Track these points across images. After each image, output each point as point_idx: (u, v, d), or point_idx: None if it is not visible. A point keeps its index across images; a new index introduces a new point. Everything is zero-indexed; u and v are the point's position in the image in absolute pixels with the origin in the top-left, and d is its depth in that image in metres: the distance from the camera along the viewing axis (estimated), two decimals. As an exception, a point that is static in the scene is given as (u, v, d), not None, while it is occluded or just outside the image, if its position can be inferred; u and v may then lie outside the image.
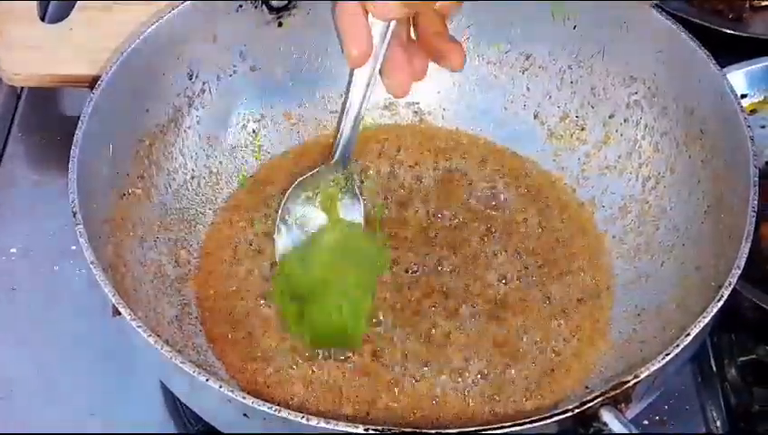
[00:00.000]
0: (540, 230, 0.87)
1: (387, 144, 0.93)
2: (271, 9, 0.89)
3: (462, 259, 0.84)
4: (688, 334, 0.66)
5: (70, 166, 0.74)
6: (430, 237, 0.86)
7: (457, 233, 0.86)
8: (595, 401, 0.63)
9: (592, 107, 0.90)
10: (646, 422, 0.81)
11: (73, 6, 1.02)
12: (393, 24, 0.75)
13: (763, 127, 0.96)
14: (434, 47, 0.79)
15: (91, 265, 0.70)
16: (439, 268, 0.84)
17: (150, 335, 0.66)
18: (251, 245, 0.85)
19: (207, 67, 0.88)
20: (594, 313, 0.81)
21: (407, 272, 0.83)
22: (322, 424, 0.62)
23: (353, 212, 0.84)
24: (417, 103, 0.94)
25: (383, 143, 0.93)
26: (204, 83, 0.89)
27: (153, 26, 0.83)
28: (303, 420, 0.62)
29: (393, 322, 0.80)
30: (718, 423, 0.82)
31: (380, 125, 0.94)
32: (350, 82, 0.79)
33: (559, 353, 0.79)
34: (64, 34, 1.00)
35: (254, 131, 0.92)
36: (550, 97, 0.92)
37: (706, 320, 0.67)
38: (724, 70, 0.82)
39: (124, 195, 0.81)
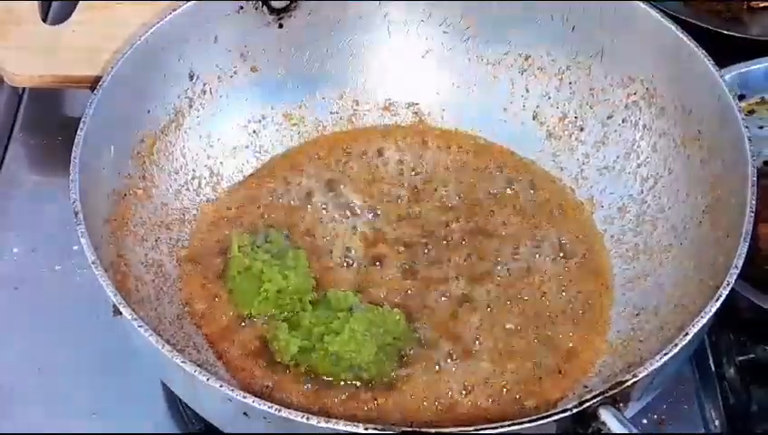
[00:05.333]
0: (538, 230, 0.87)
1: (387, 144, 0.93)
2: (271, 10, 0.89)
3: (460, 259, 0.85)
4: (687, 334, 0.67)
5: (71, 166, 0.74)
6: (429, 237, 0.86)
7: (456, 233, 0.86)
8: (594, 401, 0.63)
9: (591, 107, 0.90)
10: (644, 421, 0.81)
11: (75, 7, 1.02)
12: None
13: (760, 127, 0.96)
14: None
15: (92, 265, 0.70)
16: (438, 268, 0.84)
17: (151, 335, 0.67)
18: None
19: (208, 68, 0.89)
20: (593, 312, 0.81)
21: (405, 272, 0.84)
22: (322, 423, 0.62)
23: None
24: (417, 104, 0.95)
25: (383, 143, 0.93)
26: (204, 84, 0.89)
27: (154, 27, 0.84)
28: (304, 420, 0.62)
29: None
30: (717, 423, 0.82)
31: (380, 125, 0.94)
32: None
33: (558, 353, 0.79)
34: (66, 35, 1.00)
35: (254, 132, 0.92)
36: (549, 97, 0.92)
37: (705, 320, 0.68)
38: (722, 71, 0.82)
39: (125, 195, 0.82)
